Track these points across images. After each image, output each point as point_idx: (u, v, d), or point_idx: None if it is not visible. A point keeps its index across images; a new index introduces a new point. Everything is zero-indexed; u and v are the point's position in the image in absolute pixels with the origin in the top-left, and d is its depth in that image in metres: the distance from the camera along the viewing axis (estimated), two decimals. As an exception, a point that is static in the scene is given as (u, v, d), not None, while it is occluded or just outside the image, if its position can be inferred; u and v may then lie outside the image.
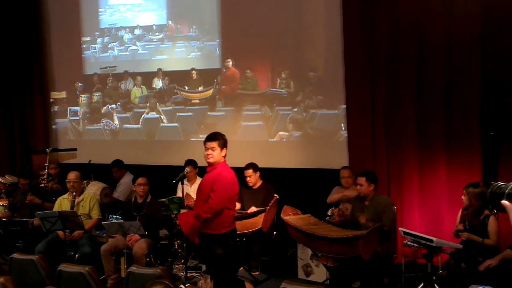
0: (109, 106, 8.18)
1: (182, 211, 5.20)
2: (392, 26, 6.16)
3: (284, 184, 6.57)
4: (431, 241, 4.74)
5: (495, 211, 5.06)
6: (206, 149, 4.77)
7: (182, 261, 6.16)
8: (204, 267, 6.09)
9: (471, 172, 5.77)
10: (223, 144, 4.78)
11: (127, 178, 7.20)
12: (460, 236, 5.00)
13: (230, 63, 7.36)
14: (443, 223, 5.92)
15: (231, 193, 4.76)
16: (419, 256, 5.41)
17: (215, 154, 4.74)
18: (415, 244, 5.08)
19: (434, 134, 6.05)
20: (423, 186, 6.10)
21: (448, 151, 5.99)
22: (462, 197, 5.06)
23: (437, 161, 6.03)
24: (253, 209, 6.10)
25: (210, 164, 4.81)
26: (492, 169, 5.78)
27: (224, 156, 4.82)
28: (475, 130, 5.85)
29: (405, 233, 5.04)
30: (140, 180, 6.11)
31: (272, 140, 7.20)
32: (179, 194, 6.39)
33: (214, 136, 4.81)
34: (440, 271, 4.98)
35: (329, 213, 5.98)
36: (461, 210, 5.20)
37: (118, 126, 8.15)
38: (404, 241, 5.44)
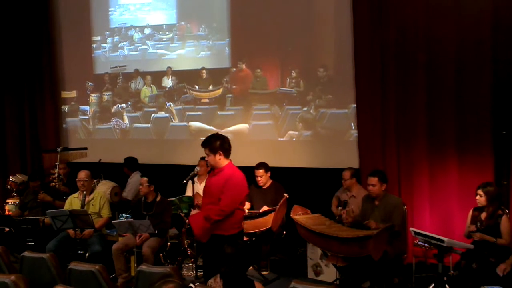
0: (119, 106, 8.20)
1: (193, 211, 5.19)
2: (402, 25, 6.12)
3: (294, 184, 6.56)
4: (442, 241, 4.71)
5: (506, 210, 5.03)
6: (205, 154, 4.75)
7: (192, 260, 6.17)
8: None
9: (483, 172, 5.73)
10: (218, 148, 4.61)
11: (134, 178, 7.22)
12: (472, 237, 4.95)
13: (244, 65, 7.35)
14: (454, 223, 5.88)
15: (242, 195, 4.71)
16: (430, 256, 5.39)
17: (210, 160, 4.67)
18: (426, 244, 5.05)
19: (445, 134, 6.01)
20: (434, 186, 6.07)
21: (459, 150, 5.95)
22: (477, 197, 4.99)
23: (448, 161, 5.99)
24: (265, 208, 6.09)
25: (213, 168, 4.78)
26: (504, 169, 5.73)
27: (224, 157, 4.65)
28: (486, 130, 5.80)
29: (415, 233, 5.01)
30: (140, 180, 6.20)
31: (281, 139, 7.19)
32: (189, 193, 6.41)
33: (205, 142, 4.70)
34: (451, 272, 4.95)
35: (337, 213, 5.95)
36: (471, 210, 5.16)
37: (128, 125, 8.17)
38: (415, 241, 5.41)
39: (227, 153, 4.68)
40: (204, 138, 4.82)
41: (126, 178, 7.35)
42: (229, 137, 4.81)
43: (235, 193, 4.62)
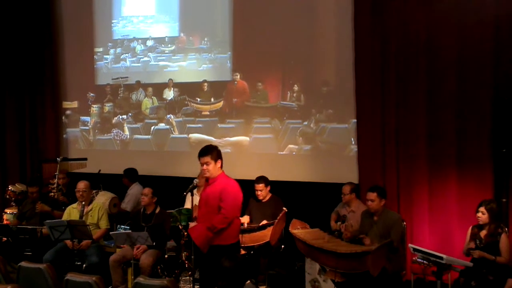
0: (120, 117, 8.22)
1: (191, 224, 5.19)
2: (403, 39, 6.15)
3: (293, 198, 6.54)
4: (441, 258, 4.69)
5: (506, 228, 5.01)
6: (201, 164, 4.78)
7: (190, 272, 6.14)
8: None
9: (482, 189, 5.71)
10: (217, 156, 4.78)
11: (134, 189, 7.21)
12: (471, 254, 4.93)
13: (238, 76, 7.39)
14: (454, 240, 5.86)
15: (240, 202, 4.83)
16: (429, 274, 5.35)
17: (211, 168, 4.75)
18: (424, 261, 5.02)
19: (445, 150, 6.01)
20: (434, 202, 6.05)
21: (459, 167, 5.94)
22: (479, 214, 4.97)
23: (448, 178, 5.99)
24: (264, 222, 6.07)
25: (208, 178, 4.85)
26: (504, 187, 5.72)
27: (221, 167, 4.82)
28: (486, 147, 5.81)
29: (414, 249, 4.99)
30: (143, 190, 6.19)
31: (281, 153, 7.19)
32: (187, 205, 6.40)
33: (206, 151, 4.78)
34: (450, 289, 4.92)
35: (336, 228, 5.94)
36: (470, 227, 5.15)
37: (128, 136, 8.18)
38: (414, 258, 5.37)
39: (222, 162, 4.83)
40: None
41: (126, 190, 7.34)
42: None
43: (234, 200, 4.75)
